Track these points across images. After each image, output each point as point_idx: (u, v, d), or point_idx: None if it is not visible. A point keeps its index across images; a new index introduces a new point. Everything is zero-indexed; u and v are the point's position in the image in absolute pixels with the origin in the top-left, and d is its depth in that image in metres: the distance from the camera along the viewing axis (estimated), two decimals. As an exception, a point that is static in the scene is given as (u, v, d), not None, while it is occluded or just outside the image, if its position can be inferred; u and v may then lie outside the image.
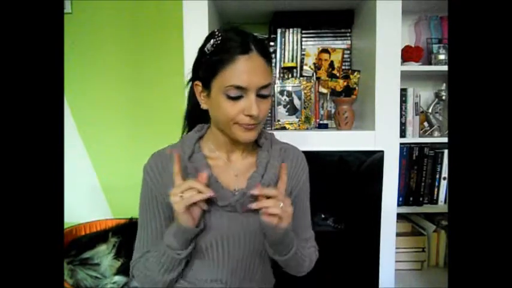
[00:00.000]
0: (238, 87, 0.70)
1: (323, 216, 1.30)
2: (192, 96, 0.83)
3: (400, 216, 1.52)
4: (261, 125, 0.77)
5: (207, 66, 0.73)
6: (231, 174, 0.80)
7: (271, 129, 1.41)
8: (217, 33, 0.73)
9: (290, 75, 1.50)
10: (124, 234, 1.43)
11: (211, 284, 0.79)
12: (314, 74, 1.48)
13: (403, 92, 1.39)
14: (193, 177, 0.73)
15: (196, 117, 0.85)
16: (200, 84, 0.76)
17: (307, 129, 1.39)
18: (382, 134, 1.24)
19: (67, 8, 1.62)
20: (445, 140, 1.40)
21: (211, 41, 0.73)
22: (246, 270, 0.81)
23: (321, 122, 1.50)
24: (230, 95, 0.70)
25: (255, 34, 0.76)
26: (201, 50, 0.76)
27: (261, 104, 0.73)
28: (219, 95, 0.72)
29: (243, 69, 0.69)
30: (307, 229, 0.90)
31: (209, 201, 0.73)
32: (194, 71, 0.79)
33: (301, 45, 1.51)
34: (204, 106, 0.78)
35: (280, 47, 1.50)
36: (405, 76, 1.27)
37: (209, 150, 0.81)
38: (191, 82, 0.81)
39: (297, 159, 0.86)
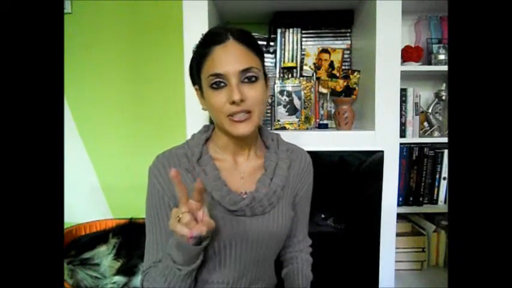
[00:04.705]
0: (217, 75, 0.70)
1: (323, 216, 1.30)
2: None
3: (400, 216, 1.52)
4: (256, 118, 0.73)
5: (194, 66, 0.76)
6: (238, 176, 0.80)
7: (271, 129, 1.41)
8: (201, 35, 0.76)
9: (290, 75, 1.50)
10: (124, 235, 1.43)
11: (218, 285, 0.78)
12: (314, 74, 1.48)
13: (403, 92, 1.39)
14: (202, 180, 0.72)
15: None
16: (198, 87, 0.78)
17: (307, 129, 1.39)
18: (382, 134, 1.24)
19: (67, 8, 1.62)
20: (445, 140, 1.40)
21: (197, 43, 0.76)
22: (254, 272, 0.80)
23: (321, 122, 1.50)
24: (213, 86, 0.71)
25: (241, 28, 0.74)
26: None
27: (249, 89, 0.70)
28: (206, 90, 0.73)
29: (219, 57, 0.70)
30: (304, 230, 0.91)
31: (218, 205, 0.74)
32: (190, 77, 0.80)
33: (301, 45, 1.51)
34: (203, 108, 0.79)
35: (280, 47, 1.50)
36: (405, 76, 1.27)
37: (215, 152, 0.80)
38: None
39: (304, 161, 0.86)
